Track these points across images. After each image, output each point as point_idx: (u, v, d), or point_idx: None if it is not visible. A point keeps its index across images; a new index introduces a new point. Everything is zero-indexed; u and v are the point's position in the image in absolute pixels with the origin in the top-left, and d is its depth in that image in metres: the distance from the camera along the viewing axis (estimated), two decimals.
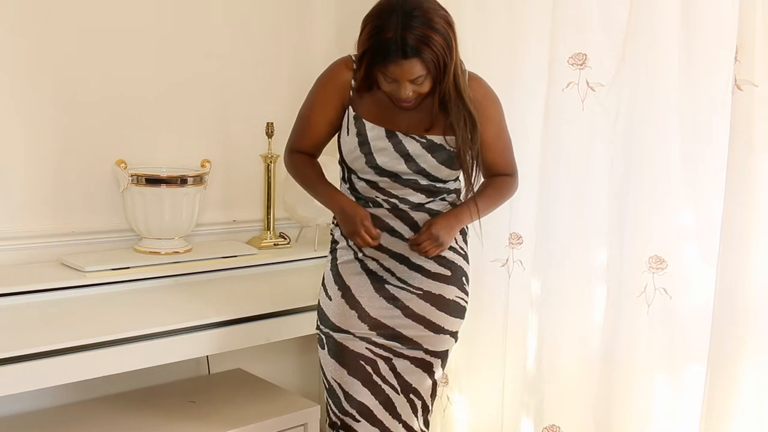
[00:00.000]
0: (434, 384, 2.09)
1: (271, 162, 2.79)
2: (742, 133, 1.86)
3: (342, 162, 2.05)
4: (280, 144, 2.79)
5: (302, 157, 2.11)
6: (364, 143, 1.97)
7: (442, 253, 2.03)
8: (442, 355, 2.08)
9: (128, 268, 2.41)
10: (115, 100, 2.58)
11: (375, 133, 1.97)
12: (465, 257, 2.10)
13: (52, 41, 2.44)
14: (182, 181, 2.53)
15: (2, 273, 2.31)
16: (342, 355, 2.02)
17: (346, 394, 2.01)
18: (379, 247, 2.00)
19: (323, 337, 2.07)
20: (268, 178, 2.81)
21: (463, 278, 2.07)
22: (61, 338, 1.94)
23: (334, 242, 2.11)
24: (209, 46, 2.78)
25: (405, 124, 1.98)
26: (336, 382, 2.02)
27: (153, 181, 2.49)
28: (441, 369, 2.10)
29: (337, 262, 2.07)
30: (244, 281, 2.58)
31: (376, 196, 2.00)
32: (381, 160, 1.96)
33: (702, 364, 2.00)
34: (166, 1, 2.67)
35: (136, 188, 2.49)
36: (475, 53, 2.47)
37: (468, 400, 2.64)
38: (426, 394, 2.08)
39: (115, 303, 2.27)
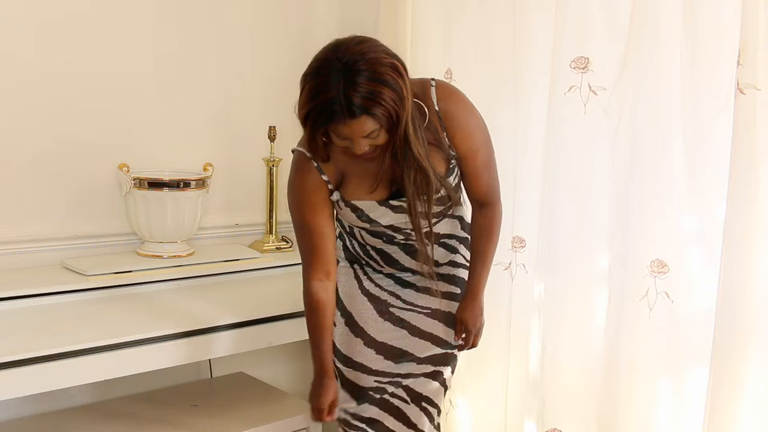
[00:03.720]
0: (445, 388, 2.09)
1: (273, 165, 2.79)
2: (745, 136, 1.86)
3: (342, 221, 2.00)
4: (282, 147, 2.81)
5: (322, 301, 1.94)
6: (362, 216, 1.90)
7: (453, 272, 2.04)
8: (451, 362, 2.07)
9: (130, 271, 2.42)
10: (118, 103, 2.58)
11: (368, 207, 1.88)
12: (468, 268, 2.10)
13: (54, 45, 2.45)
14: (184, 184, 2.53)
15: (4, 277, 2.31)
16: (352, 389, 2.01)
17: (354, 415, 2.02)
18: (389, 275, 2.00)
19: (335, 370, 2.04)
20: (271, 181, 2.81)
21: None
22: (62, 342, 1.94)
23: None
24: (211, 50, 2.78)
25: (392, 183, 1.86)
26: (343, 409, 2.02)
27: (155, 184, 2.50)
28: (451, 373, 2.10)
29: (338, 285, 2.02)
30: (247, 285, 2.58)
31: (385, 232, 1.94)
32: (385, 220, 1.90)
33: (705, 368, 1.99)
34: (169, 6, 2.67)
35: (138, 192, 2.49)
36: (478, 57, 2.47)
37: (471, 403, 2.64)
38: (438, 398, 2.07)
39: (117, 307, 2.27)
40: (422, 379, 2.03)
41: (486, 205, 2.00)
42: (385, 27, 2.73)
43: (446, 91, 1.88)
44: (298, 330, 2.35)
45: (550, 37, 2.26)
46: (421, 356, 2.01)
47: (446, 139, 1.87)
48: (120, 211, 2.58)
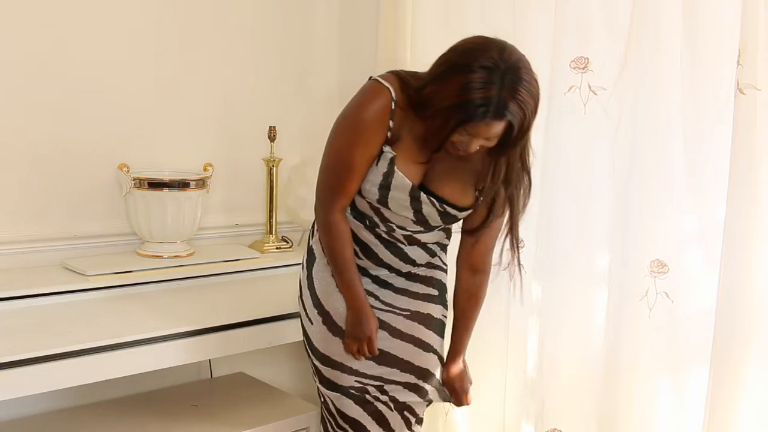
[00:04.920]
0: (428, 402, 2.06)
1: (273, 165, 2.79)
2: (745, 136, 1.86)
3: None
4: (282, 147, 2.81)
5: (343, 228, 1.91)
6: (384, 187, 1.84)
7: (430, 273, 2.01)
8: (433, 380, 2.03)
9: (131, 272, 2.42)
10: (118, 104, 2.58)
11: (401, 184, 1.84)
12: (446, 271, 2.07)
13: (55, 45, 2.45)
14: (185, 184, 2.53)
15: (5, 277, 2.31)
16: (334, 386, 1.99)
17: (339, 412, 1.99)
18: (364, 272, 1.96)
19: (312, 367, 2.02)
20: (271, 181, 2.81)
21: (446, 295, 2.05)
22: (63, 342, 1.94)
23: (311, 254, 2.02)
24: (211, 50, 2.78)
25: (433, 172, 1.86)
26: (330, 400, 2.00)
27: (155, 184, 2.50)
28: (433, 387, 2.06)
29: (314, 282, 1.99)
30: (247, 285, 2.58)
31: (373, 217, 1.91)
32: (392, 204, 1.87)
33: (704, 368, 2.00)
34: (169, 6, 2.67)
35: (138, 192, 2.50)
36: None
37: (470, 404, 2.63)
38: (419, 409, 2.05)
39: (117, 307, 2.27)
40: (405, 390, 1.99)
41: (482, 272, 2.01)
42: (385, 27, 2.72)
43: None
44: (299, 330, 2.35)
45: (550, 37, 2.26)
46: (403, 358, 1.97)
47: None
48: (120, 211, 2.58)
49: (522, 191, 1.86)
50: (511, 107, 1.65)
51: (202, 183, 2.58)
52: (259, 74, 2.91)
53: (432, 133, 1.74)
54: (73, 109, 2.50)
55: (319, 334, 1.98)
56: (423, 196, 1.85)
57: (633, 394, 2.17)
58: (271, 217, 2.83)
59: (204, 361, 2.72)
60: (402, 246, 1.94)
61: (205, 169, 2.65)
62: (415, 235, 1.94)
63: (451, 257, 2.08)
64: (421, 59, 2.58)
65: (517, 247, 1.92)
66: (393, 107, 1.79)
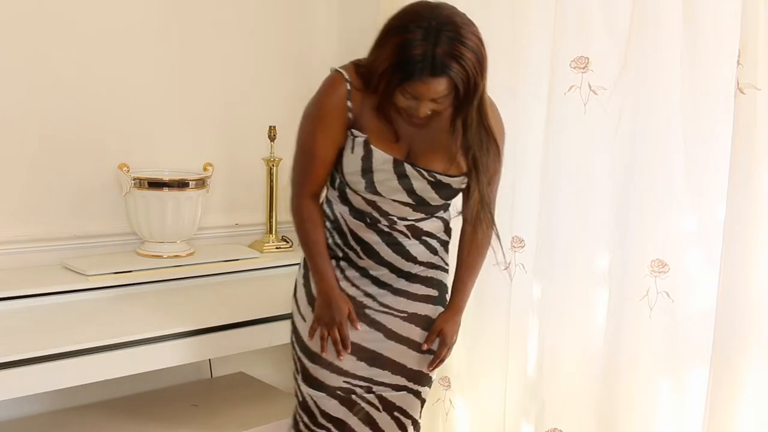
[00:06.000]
0: (422, 401, 2.04)
1: (273, 165, 2.79)
2: (745, 136, 1.86)
3: (336, 170, 1.93)
4: (282, 147, 2.80)
5: (314, 210, 1.95)
6: (367, 171, 1.85)
7: (431, 274, 1.99)
8: (425, 379, 2.02)
9: (130, 271, 2.42)
10: (118, 103, 2.58)
11: (382, 162, 1.84)
12: (447, 271, 2.06)
13: (55, 46, 2.45)
14: (184, 184, 2.54)
15: (4, 276, 2.31)
16: (319, 385, 1.96)
17: (322, 412, 1.97)
18: (364, 273, 1.94)
19: (297, 362, 2.00)
20: (271, 181, 2.81)
21: (446, 294, 2.04)
22: (63, 342, 1.95)
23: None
24: (212, 50, 2.78)
25: (416, 148, 1.87)
26: (312, 399, 1.97)
27: (155, 184, 2.50)
28: (428, 388, 2.05)
29: (311, 281, 1.99)
30: (247, 285, 2.58)
31: (372, 212, 1.91)
32: (382, 188, 1.86)
33: (705, 368, 1.99)
34: (169, 6, 2.67)
35: (138, 192, 2.50)
36: None
37: (470, 403, 2.64)
38: (413, 410, 2.02)
39: (117, 307, 2.27)
40: (394, 392, 1.97)
41: (480, 223, 1.97)
42: None
43: (490, 99, 1.89)
44: None
45: (550, 36, 2.26)
46: (395, 360, 1.95)
47: None
48: (120, 211, 2.58)
49: (490, 156, 1.85)
50: (448, 63, 1.66)
51: (202, 183, 2.58)
52: (259, 74, 2.91)
53: (380, 100, 1.78)
54: (73, 109, 2.50)
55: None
56: (408, 168, 1.85)
57: (633, 394, 2.17)
58: (271, 216, 2.83)
59: (204, 361, 2.72)
60: (404, 241, 1.93)
61: (205, 169, 2.65)
62: (417, 224, 1.93)
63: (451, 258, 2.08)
64: None
65: (490, 213, 1.91)
66: (349, 88, 1.83)
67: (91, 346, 1.97)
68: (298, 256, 2.76)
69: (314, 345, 1.96)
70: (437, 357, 2.00)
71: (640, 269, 2.12)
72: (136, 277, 2.41)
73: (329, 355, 1.94)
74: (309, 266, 1.97)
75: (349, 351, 1.92)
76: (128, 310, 2.25)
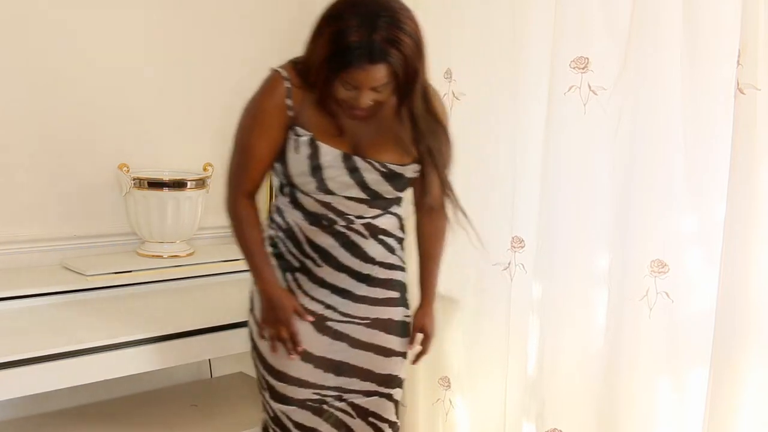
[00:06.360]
0: (395, 402, 2.01)
1: None
2: (745, 136, 1.86)
3: (283, 175, 1.88)
4: None
5: (249, 210, 1.90)
6: (316, 169, 1.80)
7: (390, 275, 1.95)
8: (395, 381, 2.00)
9: (130, 271, 2.42)
10: (118, 103, 2.58)
11: (330, 157, 1.80)
12: (406, 270, 2.02)
13: (55, 46, 2.45)
14: (184, 184, 2.54)
15: (4, 276, 2.31)
16: (289, 401, 1.92)
17: (296, 423, 1.93)
18: (323, 283, 1.88)
19: (262, 379, 1.95)
20: (270, 181, 2.81)
21: (407, 294, 2.01)
22: (62, 342, 1.95)
23: None
24: (212, 50, 2.78)
25: (363, 141, 1.83)
26: (283, 413, 1.93)
27: (155, 184, 2.50)
28: (399, 389, 2.03)
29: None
30: (246, 285, 2.58)
31: (327, 213, 1.86)
32: (333, 185, 1.82)
33: (705, 368, 2.00)
34: (170, 7, 2.67)
35: (138, 192, 2.50)
36: (478, 57, 2.47)
37: (470, 403, 2.64)
38: (388, 413, 2.00)
39: (117, 307, 2.27)
40: (365, 398, 1.95)
41: (441, 209, 1.96)
42: None
43: (431, 86, 1.88)
44: None
45: (550, 37, 2.26)
46: (363, 367, 1.93)
47: None
48: (120, 211, 2.58)
49: (443, 142, 1.83)
50: (386, 49, 1.64)
51: (201, 183, 2.59)
52: (259, 74, 2.89)
53: (320, 93, 1.75)
54: (73, 109, 2.50)
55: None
56: (359, 160, 1.82)
57: (633, 394, 2.17)
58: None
59: (204, 361, 2.72)
60: (361, 242, 1.88)
61: (204, 169, 2.65)
62: (373, 222, 1.89)
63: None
64: None
65: (455, 197, 1.89)
66: (288, 86, 1.81)
67: (91, 346, 1.97)
68: None
69: (278, 363, 1.90)
70: (424, 352, 2.02)
71: (640, 269, 2.12)
72: (136, 277, 2.41)
73: (296, 371, 1.89)
74: (250, 266, 1.92)
75: (301, 349, 1.87)
76: (128, 310, 2.25)
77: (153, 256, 2.54)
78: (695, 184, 2.05)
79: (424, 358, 2.06)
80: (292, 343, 1.87)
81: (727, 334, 1.92)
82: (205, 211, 2.69)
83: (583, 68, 2.19)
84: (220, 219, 2.82)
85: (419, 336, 2.02)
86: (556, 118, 2.27)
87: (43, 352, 1.90)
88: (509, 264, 2.45)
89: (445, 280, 2.60)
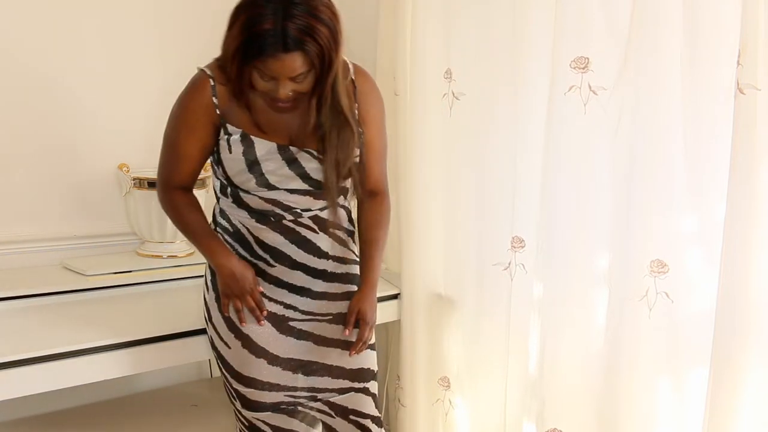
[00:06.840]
0: (373, 396, 2.00)
1: None
2: (745, 136, 1.85)
3: (223, 177, 1.87)
4: None
5: (182, 197, 1.91)
6: (253, 164, 1.79)
7: (346, 269, 1.95)
8: (368, 374, 1.98)
9: (130, 271, 2.42)
10: (118, 104, 2.59)
11: (265, 151, 1.79)
12: (359, 263, 2.01)
13: (55, 45, 2.45)
14: None
15: (5, 276, 2.31)
16: (262, 407, 1.89)
17: (274, 427, 1.90)
18: (279, 283, 1.87)
19: (231, 390, 1.92)
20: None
21: None
22: (63, 342, 1.95)
23: (214, 274, 1.90)
24: (212, 51, 2.78)
25: (296, 133, 1.81)
26: (258, 420, 1.91)
27: (155, 184, 2.49)
28: (374, 381, 2.01)
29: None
30: None
31: (274, 209, 1.84)
32: (274, 179, 1.80)
33: (705, 368, 1.99)
34: (170, 7, 2.67)
35: (138, 192, 2.50)
36: (478, 57, 2.47)
37: (470, 403, 2.64)
38: (367, 408, 1.98)
39: (117, 307, 2.27)
40: (340, 397, 1.94)
41: (379, 194, 1.97)
42: (385, 27, 2.73)
43: (363, 71, 1.88)
44: None
45: (550, 36, 2.26)
46: (332, 365, 1.92)
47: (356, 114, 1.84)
48: (120, 211, 2.59)
49: (340, 138, 1.79)
50: (301, 37, 1.61)
51: (202, 183, 2.58)
52: None
53: (235, 84, 1.73)
54: (72, 109, 2.50)
55: (240, 359, 1.88)
56: (295, 150, 1.80)
57: (633, 394, 2.17)
58: None
59: (204, 361, 2.72)
60: (312, 236, 1.87)
61: (205, 169, 2.65)
62: (321, 215, 1.88)
63: None
64: (421, 59, 2.59)
65: (337, 184, 1.85)
66: (212, 84, 1.80)
67: (91, 346, 1.97)
68: None
69: (245, 369, 1.88)
70: (360, 339, 1.94)
71: (640, 269, 2.12)
72: (136, 277, 2.41)
73: (265, 376, 1.87)
74: (200, 249, 1.90)
75: (266, 314, 1.86)
76: (128, 310, 2.25)
77: (153, 256, 2.54)
78: (695, 184, 2.05)
79: (361, 348, 1.97)
80: (258, 308, 1.85)
81: (727, 334, 1.91)
82: (205, 211, 2.68)
83: (583, 68, 2.19)
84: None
85: (357, 322, 1.96)
86: (557, 118, 2.27)
87: (43, 352, 1.90)
88: (509, 264, 2.45)
89: (445, 280, 2.63)
